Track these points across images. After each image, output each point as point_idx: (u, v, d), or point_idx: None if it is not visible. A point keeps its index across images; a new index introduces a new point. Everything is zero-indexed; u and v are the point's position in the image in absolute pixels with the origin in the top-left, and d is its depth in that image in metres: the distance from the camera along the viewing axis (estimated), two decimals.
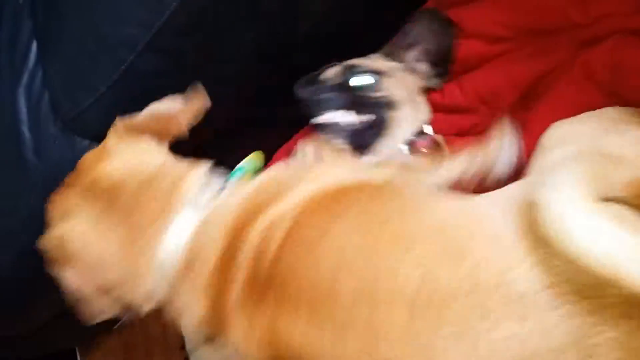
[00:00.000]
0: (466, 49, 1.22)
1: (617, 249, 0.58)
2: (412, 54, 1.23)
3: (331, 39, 1.43)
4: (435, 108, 1.22)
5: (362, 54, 1.28)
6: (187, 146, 1.11)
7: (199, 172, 1.00)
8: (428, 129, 1.20)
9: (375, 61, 1.23)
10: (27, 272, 1.41)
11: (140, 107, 1.21)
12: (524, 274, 0.63)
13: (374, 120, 1.13)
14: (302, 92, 1.16)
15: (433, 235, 0.72)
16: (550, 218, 0.62)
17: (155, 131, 1.07)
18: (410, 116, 1.16)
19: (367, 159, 1.12)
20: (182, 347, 2.02)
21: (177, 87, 1.20)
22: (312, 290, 0.75)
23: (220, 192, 0.94)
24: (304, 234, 0.79)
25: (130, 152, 1.03)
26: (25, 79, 1.25)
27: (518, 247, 0.65)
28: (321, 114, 1.14)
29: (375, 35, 1.34)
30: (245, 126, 1.48)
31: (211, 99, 1.30)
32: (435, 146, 1.15)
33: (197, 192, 0.95)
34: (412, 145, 1.15)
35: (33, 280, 1.47)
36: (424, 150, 1.14)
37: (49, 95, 1.23)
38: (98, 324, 2.18)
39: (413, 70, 1.23)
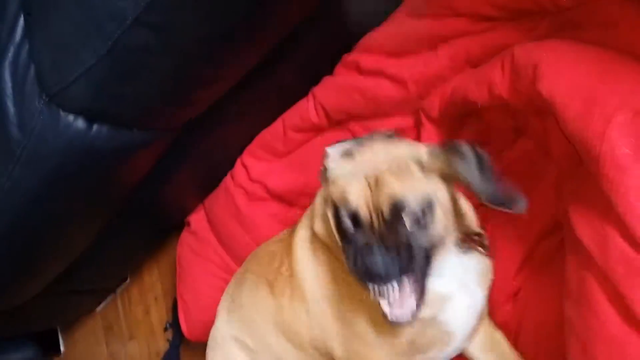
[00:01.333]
0: (452, 27, 1.23)
1: None
2: None
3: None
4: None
5: None
6: None
7: None
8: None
9: (420, 184, 0.92)
10: (11, 247, 1.40)
11: (126, 82, 1.21)
12: None
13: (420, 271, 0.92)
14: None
15: None
16: None
17: None
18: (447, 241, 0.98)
19: None
20: (165, 329, 2.02)
21: (164, 64, 1.20)
22: None
23: None
24: None
25: None
26: (11, 53, 1.24)
27: None
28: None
29: None
30: (230, 106, 1.48)
31: (199, 80, 1.31)
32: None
33: None
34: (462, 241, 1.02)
35: (17, 256, 1.46)
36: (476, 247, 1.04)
37: (35, 69, 1.22)
38: (80, 305, 2.18)
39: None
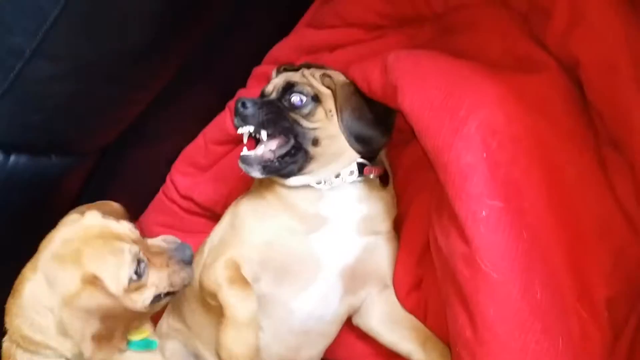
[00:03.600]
0: (347, 36, 1.30)
1: None
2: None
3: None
4: None
5: None
6: None
7: None
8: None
9: (314, 82, 1.20)
10: None
11: (35, 112, 1.25)
12: None
13: (293, 152, 1.14)
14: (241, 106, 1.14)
15: None
16: None
17: None
18: (332, 156, 1.16)
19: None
20: None
21: (68, 91, 1.24)
22: None
23: None
24: None
25: None
26: None
27: None
28: (242, 126, 1.16)
29: None
30: (150, 125, 1.53)
31: (106, 103, 1.35)
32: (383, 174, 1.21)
33: None
34: (361, 169, 1.17)
35: None
36: (372, 175, 1.18)
37: None
38: None
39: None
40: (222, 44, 1.51)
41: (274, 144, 1.14)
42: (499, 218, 0.84)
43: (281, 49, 1.50)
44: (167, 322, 1.42)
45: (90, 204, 1.25)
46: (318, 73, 1.22)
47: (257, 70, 1.55)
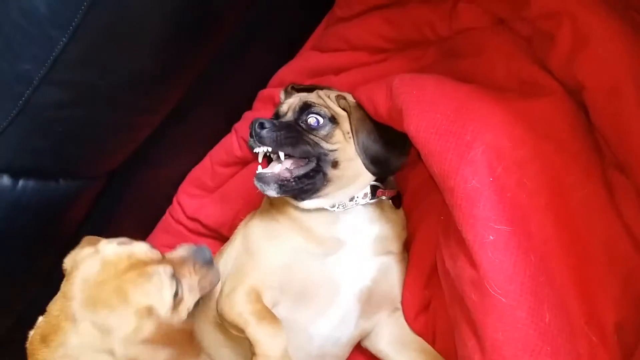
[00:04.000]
0: (352, 59, 1.32)
1: None
2: None
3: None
4: None
5: None
6: None
7: None
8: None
9: (331, 104, 1.19)
10: None
11: (43, 138, 1.26)
12: None
13: (312, 174, 1.13)
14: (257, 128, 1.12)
15: None
16: None
17: None
18: (349, 179, 1.16)
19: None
20: None
21: (77, 117, 1.25)
22: None
23: None
24: None
25: None
26: None
27: None
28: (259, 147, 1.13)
29: None
30: (158, 148, 1.54)
31: (114, 128, 1.37)
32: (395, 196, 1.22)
33: None
34: (374, 191, 1.18)
35: None
36: (385, 197, 1.19)
37: None
38: None
39: None
40: (228, 67, 1.52)
41: (290, 163, 1.13)
42: (506, 242, 0.84)
43: (287, 72, 1.51)
44: None
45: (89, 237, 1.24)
46: (333, 94, 1.22)
47: (263, 93, 1.56)
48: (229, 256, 1.28)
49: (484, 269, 0.84)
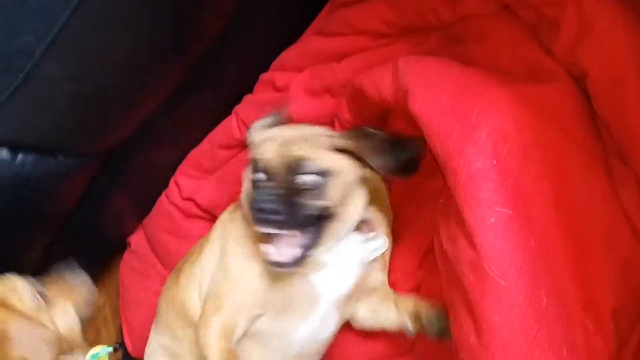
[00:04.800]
0: (354, 44, 1.31)
1: None
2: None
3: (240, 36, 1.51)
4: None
5: None
6: None
7: None
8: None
9: (323, 154, 1.08)
10: None
11: (43, 113, 1.26)
12: None
13: (315, 237, 1.07)
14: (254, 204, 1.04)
15: None
16: None
17: None
18: (344, 226, 1.12)
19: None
20: (115, 349, 2.04)
21: (77, 93, 1.25)
22: None
23: None
24: None
25: None
26: None
27: None
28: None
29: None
30: (157, 128, 1.54)
31: (114, 106, 1.36)
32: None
33: None
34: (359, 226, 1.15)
35: None
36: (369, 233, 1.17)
37: None
38: None
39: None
40: (229, 49, 1.52)
41: (295, 239, 1.05)
42: (507, 225, 0.85)
43: (288, 56, 1.51)
44: (157, 339, 1.42)
45: None
46: (324, 135, 1.12)
47: (264, 77, 1.56)
48: (206, 269, 1.26)
49: (483, 251, 0.84)
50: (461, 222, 0.89)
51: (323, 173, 1.05)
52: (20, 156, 1.32)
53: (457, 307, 0.94)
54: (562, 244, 0.87)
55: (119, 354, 2.02)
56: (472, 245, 0.86)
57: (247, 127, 1.16)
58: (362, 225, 1.16)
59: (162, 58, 1.33)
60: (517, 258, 0.84)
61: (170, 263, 1.74)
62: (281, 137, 1.10)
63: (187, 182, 1.67)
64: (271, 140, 1.11)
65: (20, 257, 1.64)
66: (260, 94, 1.55)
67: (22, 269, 1.67)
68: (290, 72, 1.47)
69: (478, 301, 0.86)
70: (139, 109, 1.43)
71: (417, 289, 1.25)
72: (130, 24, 1.20)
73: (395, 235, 1.28)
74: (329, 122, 1.41)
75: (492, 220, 0.85)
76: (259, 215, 1.02)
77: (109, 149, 1.49)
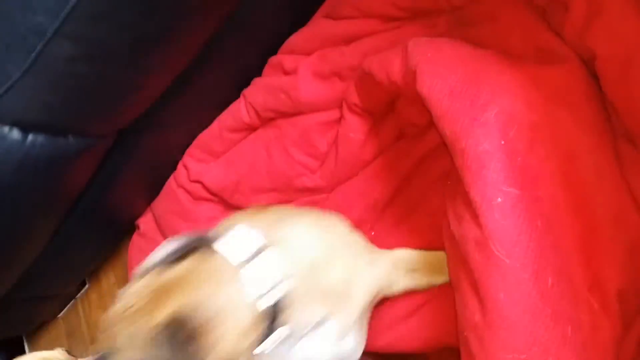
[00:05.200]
0: (364, 27, 1.32)
1: None
2: None
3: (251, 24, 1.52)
4: None
5: None
6: None
7: None
8: None
9: None
10: None
11: (54, 93, 1.27)
12: None
13: None
14: None
15: None
16: None
17: None
18: None
19: None
20: None
21: (89, 73, 1.26)
22: None
23: None
24: None
25: None
26: None
27: None
28: None
29: None
30: (166, 110, 1.55)
31: (126, 86, 1.37)
32: None
33: None
34: None
35: None
36: None
37: None
38: (43, 311, 2.22)
39: None
40: (238, 32, 1.52)
41: None
42: (514, 205, 0.85)
43: (297, 40, 1.51)
44: None
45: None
46: None
47: (273, 60, 1.56)
48: None
49: (489, 230, 0.85)
50: (468, 203, 0.89)
51: None
52: (30, 137, 1.33)
53: (463, 287, 0.94)
54: (570, 224, 0.87)
55: None
56: (478, 224, 0.86)
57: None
58: None
59: (173, 40, 1.33)
60: (524, 237, 0.84)
61: None
62: None
63: (195, 164, 1.68)
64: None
65: (29, 239, 1.66)
66: (269, 77, 1.56)
67: (30, 251, 1.71)
68: (299, 55, 1.47)
69: (483, 280, 0.86)
70: (149, 90, 1.44)
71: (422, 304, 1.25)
72: (142, 5, 1.21)
73: (402, 218, 1.29)
74: (337, 105, 1.42)
75: (499, 200, 0.85)
76: None
77: (119, 130, 1.50)
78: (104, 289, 2.16)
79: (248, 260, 0.93)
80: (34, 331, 2.36)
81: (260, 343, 0.94)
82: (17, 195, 1.42)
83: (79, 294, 2.25)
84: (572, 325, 0.85)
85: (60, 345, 2.14)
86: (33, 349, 2.37)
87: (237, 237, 0.97)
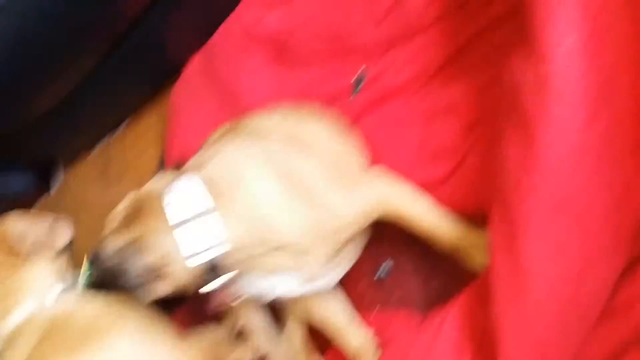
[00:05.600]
0: None
1: None
2: None
3: None
4: None
5: None
6: None
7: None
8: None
9: None
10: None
11: None
12: None
13: None
14: None
15: None
16: None
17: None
18: None
19: None
20: (156, 170, 2.12)
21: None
22: None
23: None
24: None
25: None
26: None
27: None
28: None
29: None
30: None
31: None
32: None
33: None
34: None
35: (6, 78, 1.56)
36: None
37: None
38: (79, 142, 2.27)
39: None
40: None
41: None
42: (579, 51, 0.85)
43: None
44: None
45: None
46: None
47: None
48: None
49: (552, 70, 0.86)
50: (531, 44, 0.90)
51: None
52: None
53: (508, 134, 0.96)
54: (629, 82, 0.88)
55: None
56: (540, 64, 0.88)
57: None
58: None
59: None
60: (583, 84, 0.86)
61: (225, 95, 1.78)
62: None
63: (255, 10, 1.68)
64: None
65: (74, 67, 1.70)
66: None
67: (78, 70, 1.74)
68: None
69: (534, 119, 0.88)
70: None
71: (461, 164, 1.28)
72: None
73: (451, 84, 1.30)
74: None
75: (565, 44, 0.86)
76: None
77: None
78: (142, 128, 2.19)
79: (184, 222, 1.03)
80: (66, 164, 2.42)
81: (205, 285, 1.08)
82: (69, 22, 1.46)
83: (116, 130, 2.28)
84: (610, 177, 0.88)
85: (90, 181, 2.20)
86: (62, 181, 2.44)
87: (181, 195, 1.06)
